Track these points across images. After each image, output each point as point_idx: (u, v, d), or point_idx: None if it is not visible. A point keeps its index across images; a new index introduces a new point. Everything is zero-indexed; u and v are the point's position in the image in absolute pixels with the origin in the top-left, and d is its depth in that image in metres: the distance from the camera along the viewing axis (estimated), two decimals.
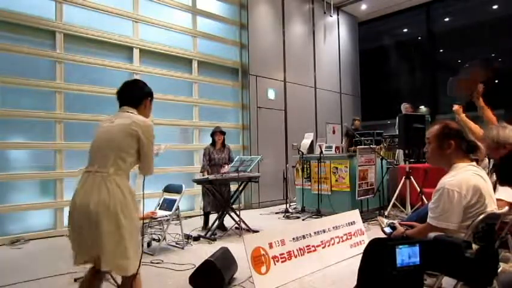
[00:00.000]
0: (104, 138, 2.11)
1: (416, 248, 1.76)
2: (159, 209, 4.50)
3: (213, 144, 5.51)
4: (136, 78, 2.46)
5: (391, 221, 2.36)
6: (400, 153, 7.56)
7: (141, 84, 2.36)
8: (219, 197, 5.04)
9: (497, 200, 2.25)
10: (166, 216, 4.27)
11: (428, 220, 2.06)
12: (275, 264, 3.12)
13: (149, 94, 2.34)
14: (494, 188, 2.50)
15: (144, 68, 6.40)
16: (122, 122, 2.11)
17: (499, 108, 9.62)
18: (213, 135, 5.52)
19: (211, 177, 4.82)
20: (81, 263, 2.07)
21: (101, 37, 5.90)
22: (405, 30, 11.89)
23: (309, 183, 6.64)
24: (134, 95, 2.27)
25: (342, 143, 7.29)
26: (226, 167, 5.23)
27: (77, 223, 2.02)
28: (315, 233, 3.64)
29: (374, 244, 1.94)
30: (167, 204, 4.48)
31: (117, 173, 2.03)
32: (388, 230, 2.25)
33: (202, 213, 5.56)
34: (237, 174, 4.93)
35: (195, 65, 7.17)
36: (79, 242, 2.04)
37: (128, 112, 2.20)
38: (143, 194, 2.24)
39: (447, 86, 3.01)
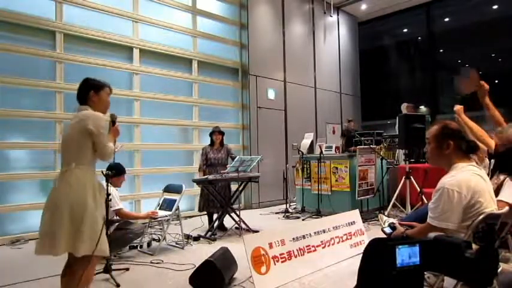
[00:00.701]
0: (65, 140, 2.37)
1: (416, 248, 1.76)
2: (159, 209, 4.49)
3: (211, 144, 5.50)
4: (87, 77, 2.54)
5: (391, 220, 2.36)
6: (400, 153, 7.56)
7: (83, 82, 2.46)
8: (219, 197, 5.04)
9: (498, 201, 2.26)
10: (166, 216, 4.27)
11: (428, 220, 2.06)
12: (275, 264, 3.12)
13: (91, 87, 2.43)
14: (499, 189, 2.51)
15: (144, 68, 6.40)
16: (74, 121, 2.34)
17: (499, 108, 9.65)
18: (211, 135, 5.51)
19: (211, 177, 4.82)
20: (41, 253, 2.23)
21: (101, 37, 5.89)
22: (405, 30, 11.89)
23: (309, 183, 6.64)
24: (80, 94, 2.43)
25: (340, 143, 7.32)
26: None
27: (45, 216, 2.27)
28: (315, 233, 3.63)
29: (374, 244, 1.94)
30: (167, 204, 4.47)
31: (78, 167, 2.26)
32: (388, 230, 2.25)
33: (203, 213, 5.55)
34: (237, 174, 4.93)
35: (195, 65, 7.17)
36: (43, 232, 2.24)
37: (81, 110, 2.37)
38: (108, 188, 2.36)
39: (454, 83, 3.03)
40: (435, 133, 2.18)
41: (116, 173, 4.03)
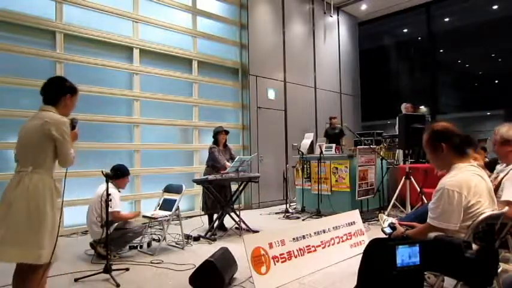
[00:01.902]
0: (23, 140, 2.28)
1: (416, 248, 1.76)
2: (159, 209, 4.49)
3: (215, 143, 5.46)
4: (59, 76, 2.49)
5: (391, 219, 2.36)
6: (400, 153, 7.56)
7: (59, 82, 2.41)
8: (219, 197, 5.03)
9: (503, 201, 2.25)
10: (166, 216, 4.27)
11: (428, 220, 2.06)
12: (275, 264, 3.12)
13: (68, 91, 2.38)
14: (497, 189, 2.50)
15: (144, 68, 6.40)
16: (36, 122, 2.25)
17: (499, 108, 9.66)
18: (217, 134, 5.44)
19: (211, 177, 4.80)
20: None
21: (100, 37, 5.89)
22: (405, 30, 11.90)
23: (309, 183, 6.63)
24: (51, 93, 2.37)
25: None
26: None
27: (1, 219, 2.15)
28: (315, 233, 3.63)
29: (374, 244, 1.94)
30: (167, 205, 4.47)
31: (36, 171, 2.19)
32: (388, 230, 2.25)
33: (203, 213, 5.55)
34: (237, 175, 4.93)
35: (195, 65, 7.16)
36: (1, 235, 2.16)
37: (45, 111, 2.31)
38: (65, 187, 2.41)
39: None
40: (426, 140, 2.23)
41: (120, 174, 4.02)
